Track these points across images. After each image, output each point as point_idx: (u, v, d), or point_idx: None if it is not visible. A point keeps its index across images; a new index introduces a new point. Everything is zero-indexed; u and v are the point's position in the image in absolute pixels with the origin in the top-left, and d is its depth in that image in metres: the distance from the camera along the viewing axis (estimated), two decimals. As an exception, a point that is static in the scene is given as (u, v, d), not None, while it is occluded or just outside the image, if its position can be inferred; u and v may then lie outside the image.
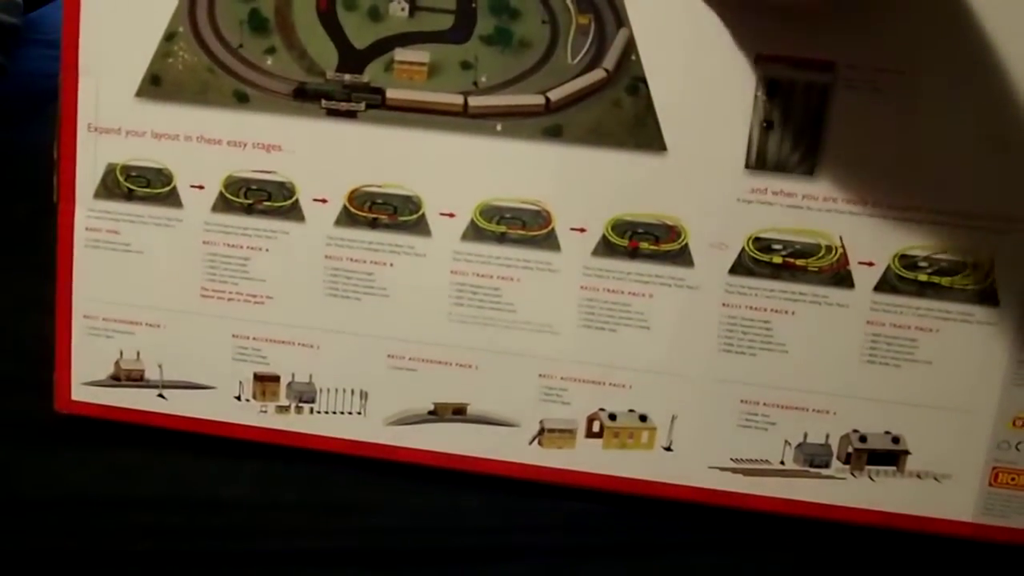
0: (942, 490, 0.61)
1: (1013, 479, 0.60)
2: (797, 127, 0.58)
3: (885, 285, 0.59)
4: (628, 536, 0.62)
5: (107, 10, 0.62)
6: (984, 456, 0.60)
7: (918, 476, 0.61)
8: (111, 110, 0.62)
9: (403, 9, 0.60)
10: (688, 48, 0.58)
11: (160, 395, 0.65)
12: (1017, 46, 0.56)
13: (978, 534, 0.61)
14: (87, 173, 0.63)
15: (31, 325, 0.66)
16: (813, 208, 0.59)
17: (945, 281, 0.59)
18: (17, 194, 0.70)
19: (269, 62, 0.61)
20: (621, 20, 0.59)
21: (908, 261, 0.59)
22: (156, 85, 0.62)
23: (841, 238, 0.59)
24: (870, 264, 0.59)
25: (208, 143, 0.62)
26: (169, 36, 0.61)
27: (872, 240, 0.59)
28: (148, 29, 0.61)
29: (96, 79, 0.62)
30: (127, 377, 0.65)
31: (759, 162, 0.59)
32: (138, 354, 0.65)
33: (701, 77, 0.58)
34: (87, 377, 0.65)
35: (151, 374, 0.65)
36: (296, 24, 0.61)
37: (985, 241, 0.58)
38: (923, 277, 0.59)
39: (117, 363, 0.65)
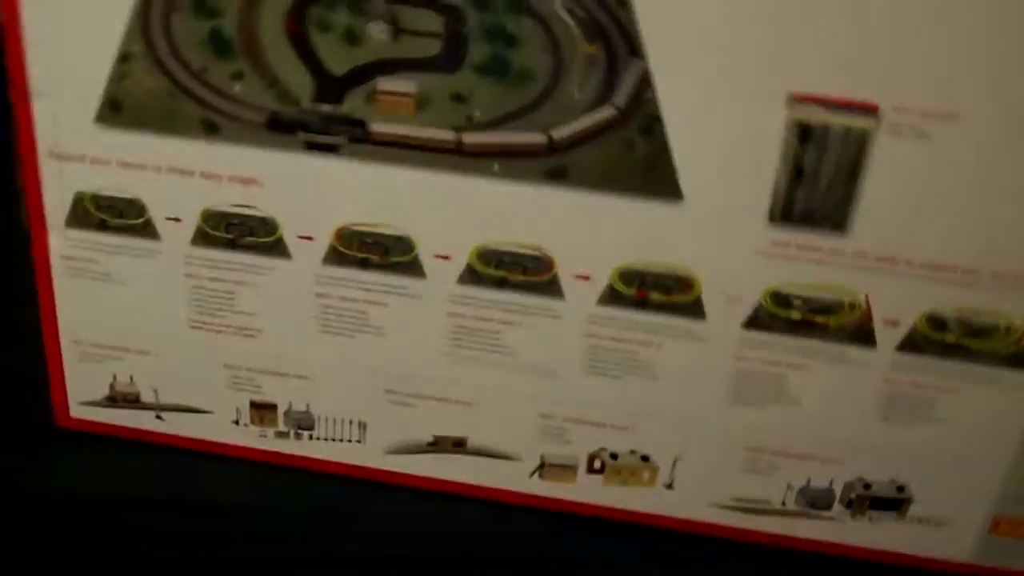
0: (940, 534, 0.48)
1: (1014, 528, 0.49)
2: (831, 177, 0.42)
3: (909, 345, 0.44)
4: (620, 549, 0.51)
5: (52, 26, 0.43)
6: (988, 506, 0.48)
7: (919, 521, 0.48)
8: (71, 136, 0.44)
9: (383, 32, 0.42)
10: (711, 84, 0.40)
11: (158, 416, 0.53)
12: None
13: (972, 572, 0.50)
14: (55, 201, 0.46)
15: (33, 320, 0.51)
16: (840, 264, 0.43)
17: (974, 344, 0.44)
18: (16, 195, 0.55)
19: (237, 88, 0.43)
20: (634, 50, 0.41)
21: (936, 322, 0.44)
22: (116, 111, 0.44)
23: (867, 296, 0.44)
24: (895, 323, 0.45)
25: (180, 174, 0.45)
26: (124, 57, 0.43)
27: (900, 299, 0.43)
28: (100, 48, 0.42)
29: (52, 102, 0.45)
30: (123, 399, 0.51)
31: (785, 214, 0.43)
32: (131, 378, 0.52)
33: (724, 117, 0.40)
34: (83, 397, 0.51)
35: (147, 397, 0.51)
36: (264, 46, 0.43)
37: (1021, 303, 0.44)
38: (951, 338, 0.44)
39: (111, 385, 0.50)
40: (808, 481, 0.47)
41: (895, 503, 0.47)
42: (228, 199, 0.45)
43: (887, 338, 0.44)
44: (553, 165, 0.43)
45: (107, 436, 0.52)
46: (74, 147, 0.45)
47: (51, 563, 0.51)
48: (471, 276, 0.45)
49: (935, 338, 0.43)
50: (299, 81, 0.42)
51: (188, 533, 0.51)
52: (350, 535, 0.51)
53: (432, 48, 0.41)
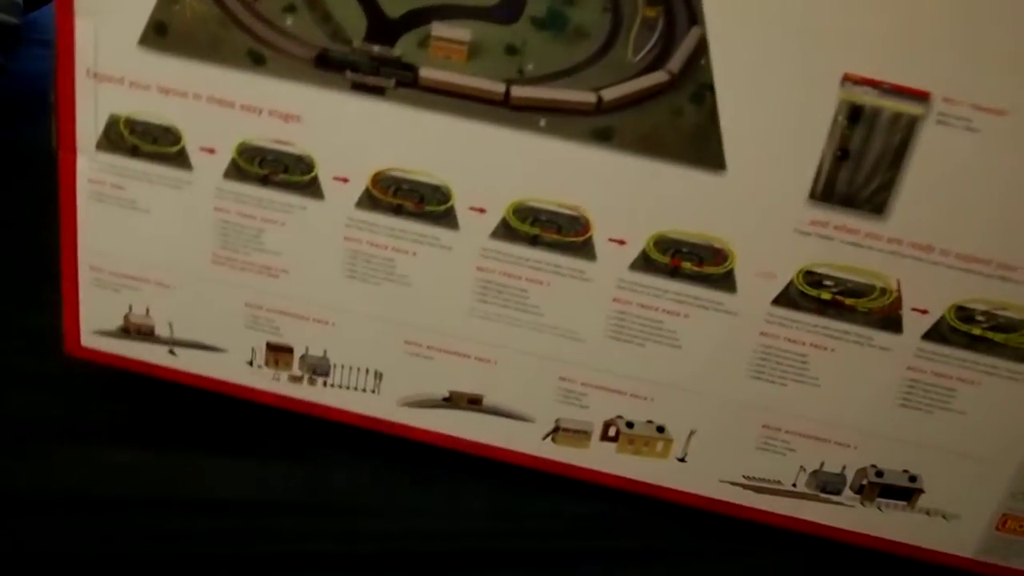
0: (947, 527, 0.49)
1: (1021, 526, 0.50)
2: (875, 160, 0.43)
3: (935, 334, 0.45)
4: (630, 541, 0.50)
5: None
6: (996, 502, 0.49)
7: (927, 513, 0.49)
8: (112, 57, 0.44)
9: (444, -24, 0.43)
10: (766, 57, 0.40)
11: (171, 351, 0.52)
12: None
13: (975, 569, 0.51)
14: (88, 122, 0.46)
15: (33, 321, 0.52)
16: (875, 248, 0.43)
17: (999, 337, 0.45)
18: (18, 195, 0.55)
19: (289, 22, 0.44)
20: (695, 17, 0.41)
21: (965, 313, 0.44)
22: (161, 34, 0.45)
23: (899, 282, 0.45)
24: (924, 312, 0.45)
25: (220, 104, 0.45)
26: (176, -20, 0.44)
27: (931, 288, 0.44)
28: None
29: (94, 21, 0.45)
30: (136, 331, 0.51)
31: (826, 193, 0.44)
32: (147, 310, 0.51)
33: (776, 92, 0.40)
34: (96, 326, 0.51)
35: (161, 331, 0.51)
36: (323, -19, 0.43)
37: (1051, 301, 0.45)
38: (977, 331, 0.45)
39: (126, 316, 0.50)
40: (821, 464, 0.48)
41: (906, 493, 0.48)
42: (267, 133, 0.45)
43: (914, 326, 0.44)
44: (600, 125, 0.43)
45: (106, 433, 0.52)
46: (114, 68, 0.45)
47: (50, 564, 0.50)
48: (505, 231, 0.45)
49: (962, 329, 0.44)
50: (353, 20, 0.42)
51: (188, 532, 0.50)
52: (353, 532, 0.50)
53: (490, -3, 0.41)
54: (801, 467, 0.48)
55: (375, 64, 0.43)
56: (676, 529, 0.50)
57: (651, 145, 0.43)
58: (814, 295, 0.44)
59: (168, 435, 0.52)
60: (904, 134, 0.41)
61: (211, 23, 0.43)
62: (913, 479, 0.48)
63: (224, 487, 0.50)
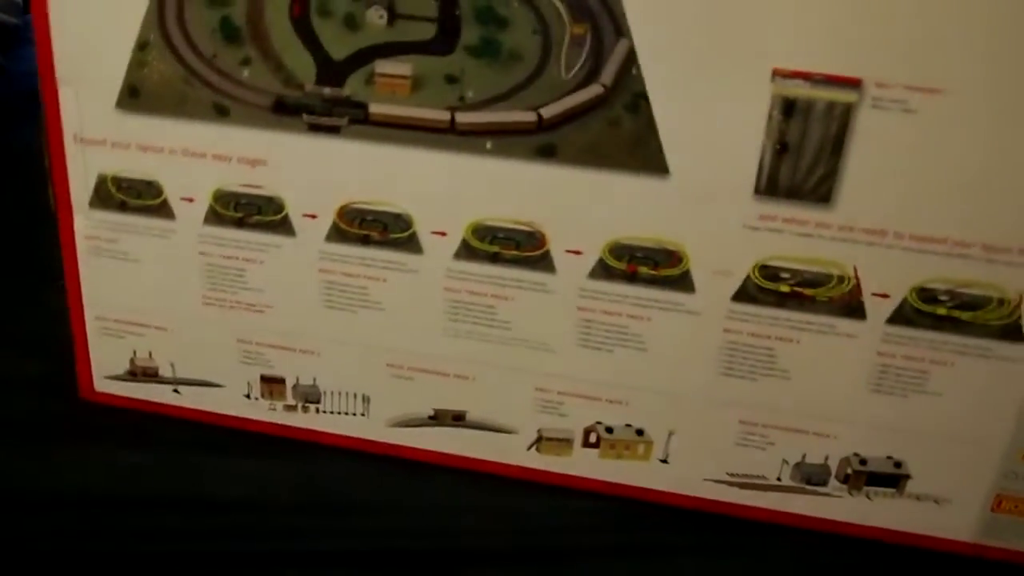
0: (941, 512, 0.48)
1: (1016, 506, 0.49)
2: (815, 151, 0.43)
3: (900, 317, 0.45)
4: (625, 538, 0.50)
5: (77, 18, 0.46)
6: (988, 484, 0.48)
7: (917, 498, 0.49)
8: (94, 121, 0.48)
9: (381, 17, 0.45)
10: (695, 61, 0.42)
11: (175, 390, 0.56)
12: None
13: (977, 553, 0.50)
14: (79, 183, 0.50)
15: (32, 325, 0.55)
16: (827, 237, 0.44)
17: (966, 316, 0.45)
18: (16, 194, 0.59)
19: (245, 73, 0.46)
20: (620, 30, 0.43)
21: (927, 294, 0.44)
22: (134, 96, 0.48)
23: (855, 268, 0.45)
24: (884, 296, 0.45)
25: (193, 156, 0.48)
26: (141, 45, 0.47)
27: (889, 271, 0.44)
28: (120, 38, 0.46)
29: (75, 89, 0.48)
30: (143, 373, 0.54)
31: (770, 188, 0.44)
32: (150, 353, 0.55)
33: (709, 93, 0.41)
34: (107, 371, 0.55)
35: (164, 371, 0.54)
36: (270, 32, 0.46)
37: (1013, 275, 0.44)
38: (942, 311, 0.45)
39: (132, 360, 0.53)
40: (803, 456, 0.48)
41: (892, 479, 0.48)
42: (238, 179, 0.48)
43: (877, 311, 0.44)
44: (543, 142, 0.44)
45: (107, 433, 0.54)
46: (97, 131, 0.49)
47: (49, 563, 0.53)
48: (466, 251, 0.47)
49: (926, 311, 0.44)
50: (303, 66, 0.45)
51: (189, 530, 0.52)
52: (353, 530, 0.52)
53: (428, 32, 0.44)
54: (784, 460, 0.48)
55: (328, 105, 0.46)
56: (671, 524, 0.50)
57: (594, 157, 0.44)
58: (772, 288, 0.45)
59: (167, 435, 0.54)
60: (840, 122, 0.42)
61: (176, 82, 0.47)
62: (898, 465, 0.47)
63: (222, 486, 0.52)
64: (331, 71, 0.45)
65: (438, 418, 0.51)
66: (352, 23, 0.44)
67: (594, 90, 0.43)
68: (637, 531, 0.51)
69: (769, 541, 0.50)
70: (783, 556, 0.50)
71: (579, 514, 0.51)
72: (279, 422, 0.54)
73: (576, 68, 0.43)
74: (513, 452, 0.51)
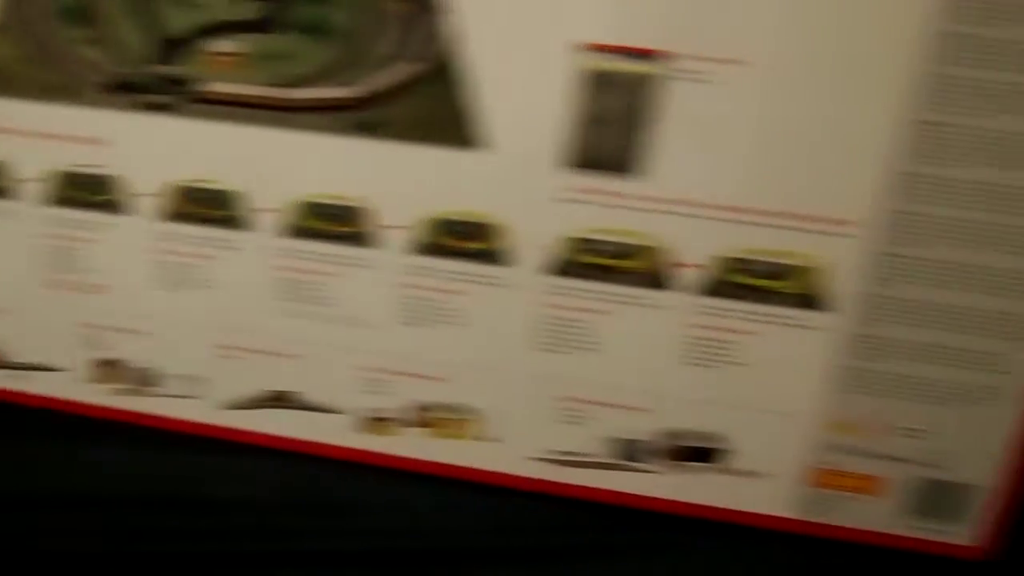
0: (761, 487, 0.50)
1: (833, 479, 0.50)
2: (620, 123, 0.45)
3: (707, 288, 0.47)
4: (625, 536, 0.50)
5: None
6: (804, 457, 0.50)
7: (737, 473, 0.50)
8: None
9: (211, -6, 0.47)
10: (509, 36, 0.43)
11: (9, 374, 0.55)
12: (853, 44, 0.43)
13: (795, 528, 0.51)
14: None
15: None
16: (637, 208, 0.46)
17: (774, 285, 0.47)
18: None
19: (84, 52, 0.47)
20: (442, 8, 0.45)
21: (733, 264, 0.46)
22: (-30, 73, 0.49)
23: (665, 239, 0.47)
24: (693, 266, 0.47)
25: (38, 136, 0.48)
26: (-27, 20, 0.48)
27: (696, 242, 0.46)
28: None
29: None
30: (-24, 358, 0.54)
31: (582, 160, 0.46)
32: (-17, 337, 0.54)
33: (521, 68, 0.43)
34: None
35: (4, 355, 0.54)
36: (109, 12, 0.47)
37: (818, 244, 0.46)
38: (747, 280, 0.47)
39: None
40: (622, 432, 0.49)
41: (709, 454, 0.49)
42: (77, 159, 0.48)
43: (686, 281, 0.46)
44: (366, 118, 0.46)
45: (104, 432, 0.53)
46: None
47: (48, 563, 0.51)
48: (294, 227, 0.48)
49: (732, 280, 0.46)
50: (139, 45, 0.46)
51: (186, 530, 0.52)
52: (349, 530, 0.52)
53: (259, 10, 0.45)
54: (604, 436, 0.49)
55: (162, 83, 0.47)
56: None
57: (415, 132, 0.46)
58: (586, 261, 0.46)
59: (165, 435, 0.53)
60: (643, 94, 0.44)
61: (16, 62, 0.47)
62: (714, 438, 0.48)
63: (220, 486, 0.52)
64: (167, 49, 0.46)
65: (270, 399, 0.51)
66: (187, 2, 0.45)
67: (415, 66, 0.45)
68: (637, 528, 0.50)
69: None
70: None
71: (578, 510, 0.50)
72: (117, 406, 0.53)
73: (395, 44, 0.45)
74: (342, 433, 0.51)
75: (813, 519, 0.49)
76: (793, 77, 0.42)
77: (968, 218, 0.43)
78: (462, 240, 0.47)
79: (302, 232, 0.48)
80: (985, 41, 0.41)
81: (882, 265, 0.44)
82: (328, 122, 0.46)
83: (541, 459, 0.50)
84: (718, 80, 0.43)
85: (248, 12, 0.45)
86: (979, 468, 0.48)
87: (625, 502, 0.50)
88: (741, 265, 0.45)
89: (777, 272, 0.45)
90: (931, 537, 0.49)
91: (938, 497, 0.48)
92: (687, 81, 0.43)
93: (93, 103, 0.47)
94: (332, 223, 0.48)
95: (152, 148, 0.48)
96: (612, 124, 0.44)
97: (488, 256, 0.47)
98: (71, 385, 0.53)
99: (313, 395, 0.51)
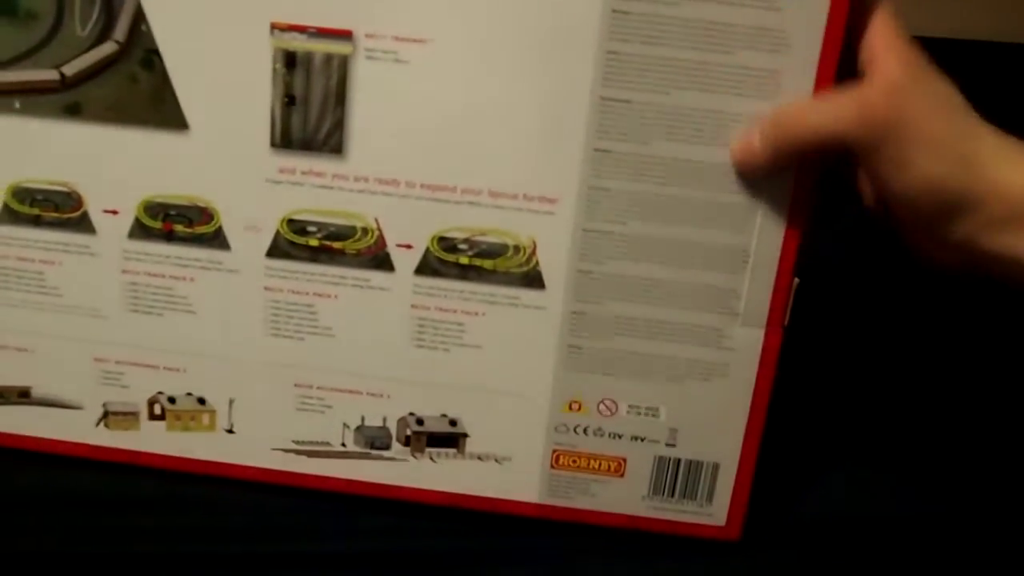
0: (505, 472, 0.49)
1: (573, 461, 0.49)
2: (320, 103, 0.44)
3: (426, 268, 0.46)
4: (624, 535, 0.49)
5: None
6: (543, 439, 0.48)
7: (479, 458, 0.49)
8: None
9: (-103, -24, 0.46)
10: (199, 15, 0.43)
11: None
12: (535, 21, 0.42)
13: (543, 514, 0.50)
14: None
15: None
16: (345, 188, 0.45)
17: (488, 264, 0.46)
18: None
19: None
20: (132, -14, 0.44)
21: (448, 243, 0.46)
22: None
23: (377, 220, 0.46)
24: (408, 247, 0.46)
25: None
26: None
27: (408, 221, 0.45)
28: None
29: None
30: None
31: (285, 140, 0.45)
32: None
33: (216, 47, 0.42)
34: None
35: None
36: None
37: (525, 222, 0.45)
38: (464, 260, 0.46)
39: None
40: (363, 419, 0.48)
41: (451, 439, 0.48)
42: None
43: (404, 262, 0.45)
44: (68, 101, 0.45)
45: None
46: None
47: (47, 563, 0.49)
48: (8, 215, 0.47)
49: (449, 260, 0.45)
50: None
51: (185, 530, 0.50)
52: (349, 530, 0.50)
53: (-56, -8, 0.44)
54: (344, 424, 0.48)
55: None
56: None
57: (117, 114, 0.45)
58: (302, 243, 0.46)
59: None
60: (339, 73, 0.43)
61: None
62: (453, 423, 0.48)
63: (219, 485, 0.50)
64: None
65: (4, 396, 0.50)
66: None
67: (110, 47, 0.44)
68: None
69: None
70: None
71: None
72: None
73: (91, 25, 0.44)
74: (82, 430, 0.50)
75: (560, 504, 0.49)
76: (479, 56, 0.42)
77: (657, 192, 0.43)
78: (180, 224, 0.46)
79: (16, 218, 0.47)
80: (650, 18, 0.40)
81: (586, 242, 0.44)
82: (31, 105, 0.45)
83: (286, 450, 0.49)
84: (407, 59, 0.42)
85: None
86: (718, 447, 0.47)
87: (373, 492, 0.49)
88: (454, 244, 0.45)
89: (491, 251, 0.45)
90: (680, 519, 0.48)
91: (682, 477, 0.48)
92: (378, 61, 0.42)
93: None
94: (47, 209, 0.47)
95: None
96: (313, 105, 0.44)
97: (208, 240, 0.46)
98: None
99: (49, 391, 0.50)
